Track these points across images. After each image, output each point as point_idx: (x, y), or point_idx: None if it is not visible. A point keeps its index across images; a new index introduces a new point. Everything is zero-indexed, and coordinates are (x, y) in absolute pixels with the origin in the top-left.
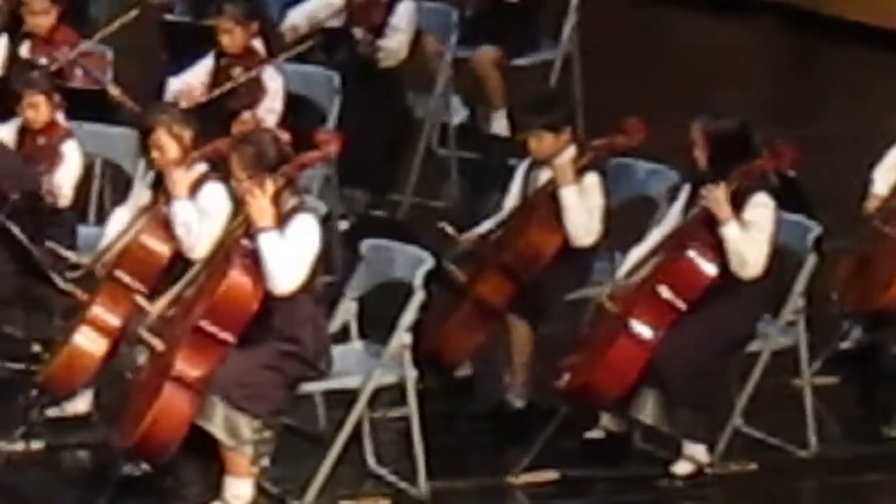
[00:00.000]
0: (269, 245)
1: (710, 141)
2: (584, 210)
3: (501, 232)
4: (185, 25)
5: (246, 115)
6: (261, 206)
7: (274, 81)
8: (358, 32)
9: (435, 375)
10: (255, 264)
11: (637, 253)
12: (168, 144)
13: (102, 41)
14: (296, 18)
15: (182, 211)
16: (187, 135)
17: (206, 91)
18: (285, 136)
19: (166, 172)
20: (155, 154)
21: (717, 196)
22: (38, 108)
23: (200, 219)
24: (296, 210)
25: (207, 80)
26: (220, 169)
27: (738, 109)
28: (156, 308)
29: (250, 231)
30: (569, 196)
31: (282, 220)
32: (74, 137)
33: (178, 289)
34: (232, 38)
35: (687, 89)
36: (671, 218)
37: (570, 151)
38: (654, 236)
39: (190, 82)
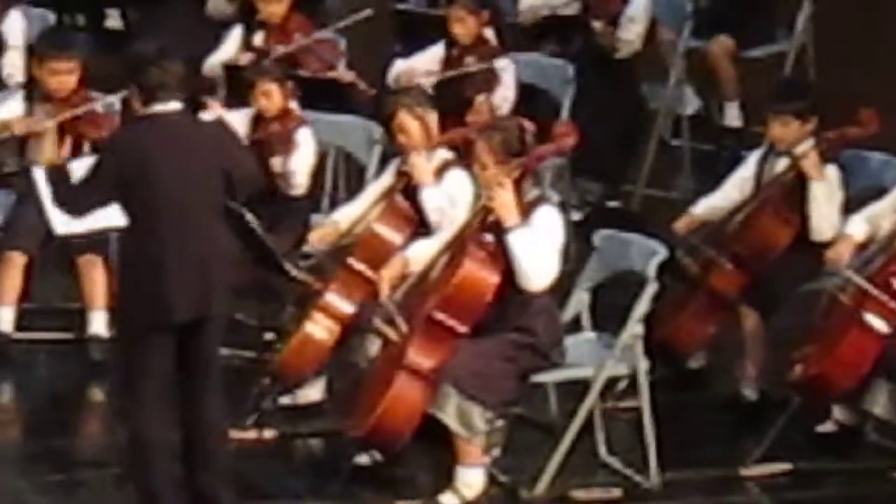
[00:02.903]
0: (520, 244)
1: None
2: (830, 204)
3: (734, 222)
4: (418, 14)
5: (480, 102)
6: (507, 202)
7: (507, 70)
8: (596, 24)
9: (667, 366)
10: (490, 255)
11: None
12: (412, 127)
13: (335, 29)
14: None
15: (432, 197)
16: (431, 117)
17: (438, 81)
18: (530, 127)
19: (410, 159)
20: (401, 138)
21: None
22: (271, 97)
23: (450, 205)
24: (538, 202)
25: (438, 69)
26: (461, 156)
27: None
28: (391, 297)
29: (495, 225)
30: (818, 188)
31: (525, 213)
32: (308, 125)
33: (413, 278)
34: (464, 26)
35: None
36: None
37: (810, 142)
38: (886, 227)
39: (415, 65)
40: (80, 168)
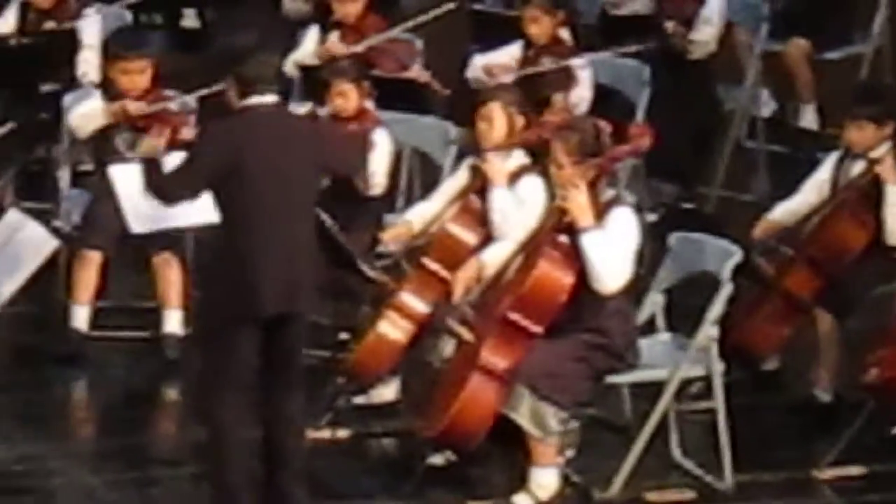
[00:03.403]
0: (594, 245)
1: None
2: None
3: (810, 224)
4: (493, 15)
5: (557, 101)
6: (582, 203)
7: (583, 70)
8: (670, 25)
9: (741, 368)
10: (565, 256)
11: None
12: (499, 119)
13: (410, 30)
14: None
15: (500, 198)
16: (518, 119)
17: (513, 72)
18: (606, 128)
19: (486, 158)
20: (482, 126)
21: None
22: (348, 97)
23: (517, 209)
24: (613, 203)
25: (515, 67)
26: (539, 160)
27: None
28: (465, 298)
29: (569, 226)
30: (894, 193)
31: (600, 214)
32: (384, 126)
33: (488, 279)
34: (540, 27)
35: None
36: None
37: (886, 146)
38: None
39: (494, 60)
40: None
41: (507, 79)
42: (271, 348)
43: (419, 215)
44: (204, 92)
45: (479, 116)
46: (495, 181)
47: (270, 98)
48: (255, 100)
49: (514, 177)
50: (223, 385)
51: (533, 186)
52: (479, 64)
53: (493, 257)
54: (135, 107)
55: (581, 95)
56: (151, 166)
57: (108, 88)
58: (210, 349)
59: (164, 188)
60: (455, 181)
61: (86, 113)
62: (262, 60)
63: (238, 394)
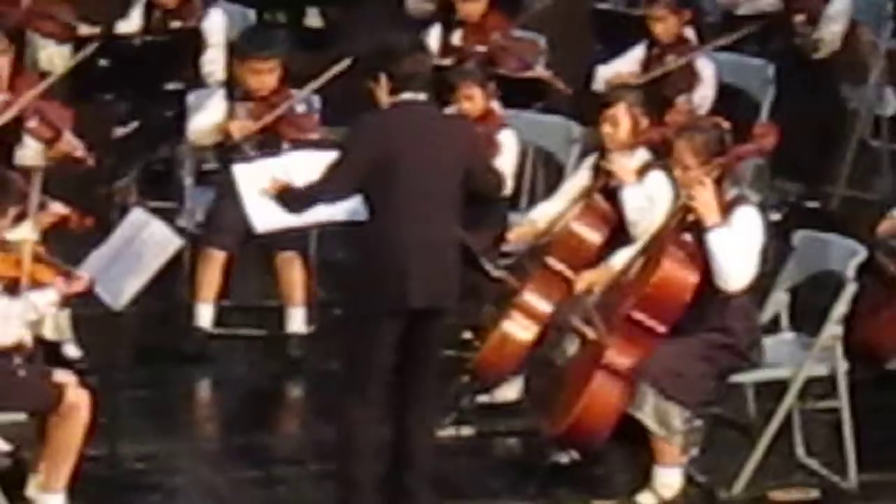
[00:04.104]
0: (720, 243)
1: None
2: None
3: None
4: (617, 14)
5: (680, 102)
6: (708, 201)
7: (707, 69)
8: (798, 17)
9: (866, 367)
10: (689, 255)
11: None
12: (623, 122)
13: (534, 28)
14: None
15: (632, 196)
16: (643, 120)
17: (638, 79)
18: (728, 127)
19: (611, 158)
20: (606, 129)
21: None
22: (474, 99)
23: (649, 205)
24: (737, 202)
25: (638, 70)
26: (660, 157)
27: None
28: (589, 296)
29: (693, 225)
30: None
31: (724, 212)
32: (510, 126)
33: (611, 277)
34: (664, 26)
35: None
36: None
37: None
38: None
39: (620, 70)
40: (276, 166)
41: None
42: (411, 345)
43: (543, 214)
44: (316, 85)
45: (604, 118)
46: (625, 179)
47: (422, 96)
48: (407, 95)
49: (640, 174)
50: (359, 382)
51: (660, 182)
52: (604, 77)
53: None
54: (237, 127)
55: (704, 95)
56: (286, 189)
57: (235, 88)
58: (349, 345)
59: (314, 194)
60: (577, 181)
61: (201, 129)
62: (417, 59)
63: (373, 391)
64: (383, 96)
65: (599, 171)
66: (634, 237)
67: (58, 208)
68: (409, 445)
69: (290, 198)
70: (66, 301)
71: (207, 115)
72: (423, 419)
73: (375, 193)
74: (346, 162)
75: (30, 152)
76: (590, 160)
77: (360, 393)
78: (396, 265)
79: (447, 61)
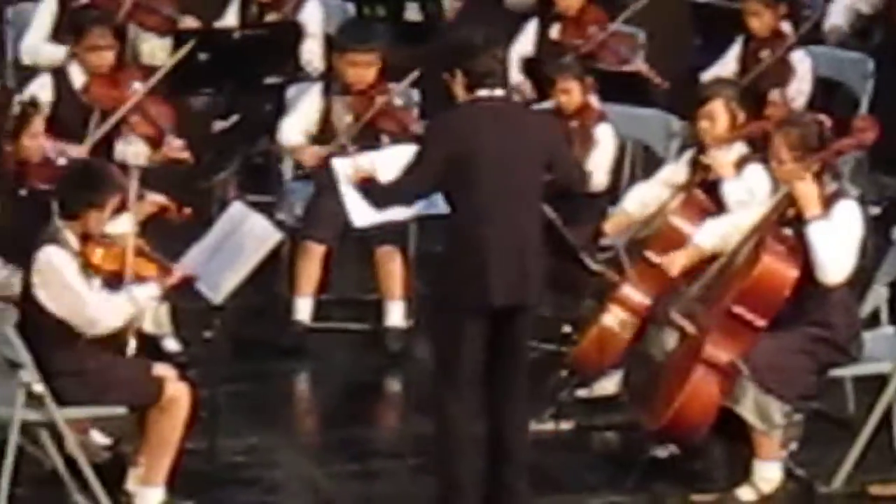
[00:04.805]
0: (820, 235)
1: None
2: None
3: None
4: (715, 9)
5: (774, 95)
6: (809, 193)
7: (802, 63)
8: None
9: None
10: (789, 250)
11: None
12: (721, 117)
13: (633, 22)
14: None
15: (733, 189)
16: (741, 115)
17: (736, 77)
18: (827, 121)
19: (709, 153)
20: (704, 124)
21: None
22: (571, 94)
23: (749, 197)
24: (837, 196)
25: (736, 66)
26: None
27: None
28: (688, 290)
29: (793, 219)
30: None
31: (824, 206)
32: (608, 121)
33: (710, 271)
34: (760, 20)
35: None
36: None
37: None
38: None
39: (718, 74)
40: (376, 159)
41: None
42: (499, 341)
43: (636, 201)
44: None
45: (701, 114)
46: (724, 174)
47: (499, 91)
48: (484, 92)
49: (738, 167)
50: (452, 378)
51: (758, 175)
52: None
53: (707, 235)
54: (309, 155)
55: (799, 89)
56: (372, 185)
57: (333, 82)
58: (439, 341)
59: (395, 190)
60: (674, 171)
61: (291, 147)
62: (493, 56)
63: (466, 387)
64: (460, 92)
65: (697, 166)
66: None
67: (156, 198)
68: (504, 440)
69: (374, 192)
70: (166, 295)
71: (298, 119)
72: (516, 414)
73: (454, 191)
74: (423, 160)
75: (131, 148)
76: (687, 155)
77: (452, 389)
78: (476, 263)
79: (545, 55)
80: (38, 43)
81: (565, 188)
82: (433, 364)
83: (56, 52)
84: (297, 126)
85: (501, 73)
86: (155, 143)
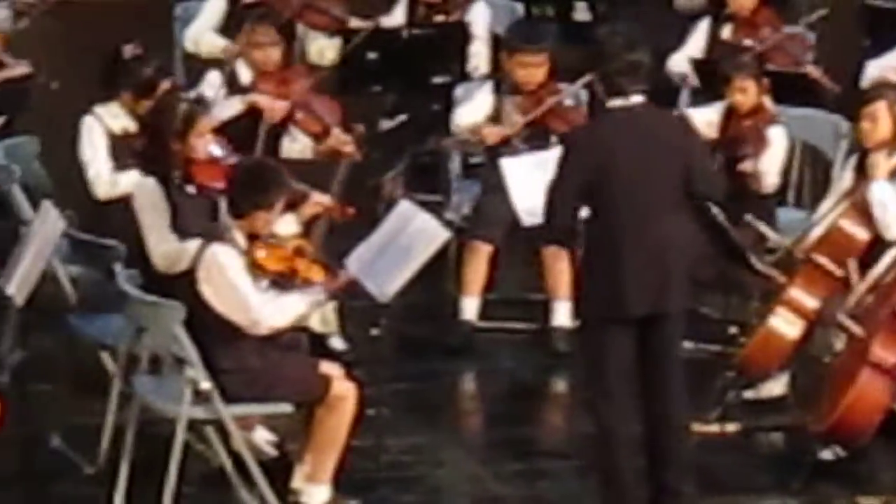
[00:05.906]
0: None
1: None
2: None
3: None
4: (887, 10)
5: None
6: None
7: None
8: None
9: None
10: None
11: None
12: (884, 119)
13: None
14: None
15: (878, 191)
16: None
17: None
18: None
19: (869, 154)
20: (865, 125)
21: None
22: (747, 92)
23: None
24: None
25: None
26: None
27: None
28: (855, 292)
29: None
30: None
31: None
32: (781, 122)
33: (877, 273)
34: None
35: None
36: None
37: None
38: None
39: (889, 65)
40: (544, 160)
41: None
42: (647, 347)
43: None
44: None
45: (864, 115)
46: (875, 175)
47: (637, 97)
48: (621, 99)
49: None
50: (603, 382)
51: None
52: (872, 75)
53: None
54: (492, 133)
55: None
56: None
57: (503, 82)
58: (587, 347)
59: (549, 211)
60: (843, 182)
61: (463, 127)
62: (631, 59)
63: (618, 391)
64: (601, 96)
65: (863, 169)
66: (882, 231)
67: (319, 198)
68: (660, 443)
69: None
70: (332, 295)
71: (473, 109)
72: (671, 417)
73: (594, 200)
74: (564, 170)
75: (297, 146)
76: (853, 160)
77: (603, 395)
78: (614, 273)
79: (716, 55)
80: (202, 31)
81: (703, 196)
82: (583, 370)
83: (216, 42)
84: (471, 115)
85: (641, 78)
86: (320, 139)
